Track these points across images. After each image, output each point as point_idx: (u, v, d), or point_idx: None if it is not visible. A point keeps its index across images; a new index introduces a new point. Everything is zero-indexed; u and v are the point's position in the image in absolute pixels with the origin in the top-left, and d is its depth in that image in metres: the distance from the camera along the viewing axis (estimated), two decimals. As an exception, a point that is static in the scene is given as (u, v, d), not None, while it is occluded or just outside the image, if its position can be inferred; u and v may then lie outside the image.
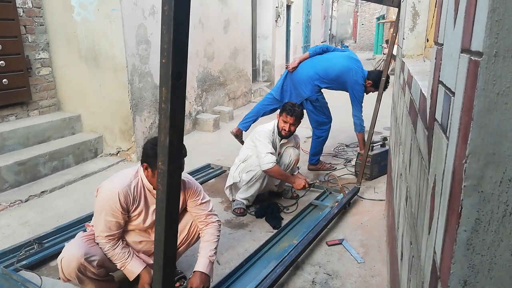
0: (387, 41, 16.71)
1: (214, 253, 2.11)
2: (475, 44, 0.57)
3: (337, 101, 8.02)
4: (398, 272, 1.55)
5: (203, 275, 2.02)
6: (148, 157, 1.91)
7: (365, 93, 4.09)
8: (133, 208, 2.01)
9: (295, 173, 3.36)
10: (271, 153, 3.02)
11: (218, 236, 2.18)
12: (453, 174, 0.66)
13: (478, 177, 0.58)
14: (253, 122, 4.14)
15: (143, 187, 2.03)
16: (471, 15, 0.61)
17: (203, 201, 2.19)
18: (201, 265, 2.04)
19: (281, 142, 3.28)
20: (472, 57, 0.59)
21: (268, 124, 3.26)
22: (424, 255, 0.91)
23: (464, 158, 0.59)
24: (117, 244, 2.00)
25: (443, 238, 0.70)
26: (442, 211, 0.73)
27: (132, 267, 2.01)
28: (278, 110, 3.32)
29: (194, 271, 2.04)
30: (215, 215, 2.23)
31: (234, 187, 3.25)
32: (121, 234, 2.04)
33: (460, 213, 0.60)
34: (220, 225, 2.22)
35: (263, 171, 3.03)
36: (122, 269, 2.03)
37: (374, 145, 4.00)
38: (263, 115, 4.21)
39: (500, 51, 0.52)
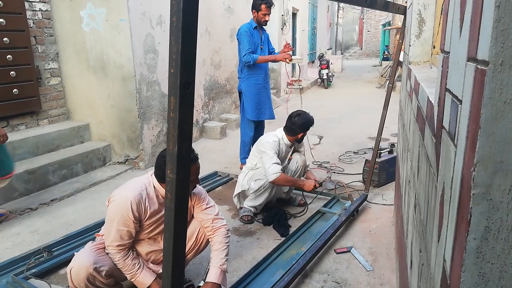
0: (387, 46, 16.69)
1: (224, 261, 2.10)
2: (481, 53, 0.58)
3: (346, 108, 8.00)
4: (408, 280, 1.54)
5: (214, 285, 2.01)
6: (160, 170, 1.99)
7: None
8: (146, 217, 2.01)
9: (306, 174, 3.37)
10: (276, 163, 3.01)
11: (227, 243, 2.16)
12: (462, 182, 0.66)
13: (486, 185, 0.58)
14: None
15: (156, 196, 2.04)
16: (476, 24, 0.61)
17: (208, 206, 2.20)
18: (212, 276, 2.03)
19: (291, 149, 3.30)
20: (478, 66, 0.59)
21: (273, 135, 3.25)
22: (433, 263, 0.90)
23: (472, 166, 0.59)
24: (128, 255, 2.00)
25: (452, 246, 0.70)
26: (451, 219, 0.73)
27: (143, 279, 2.01)
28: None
29: (206, 281, 2.03)
30: (222, 218, 2.22)
31: (242, 195, 3.25)
32: (131, 244, 2.04)
33: (469, 221, 0.60)
34: (228, 230, 2.20)
35: (270, 182, 3.03)
36: (132, 280, 2.03)
37: (381, 151, 3.98)
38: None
39: (506, 60, 0.52)
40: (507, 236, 0.59)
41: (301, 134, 3.21)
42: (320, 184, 3.19)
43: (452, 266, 0.69)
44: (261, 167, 3.15)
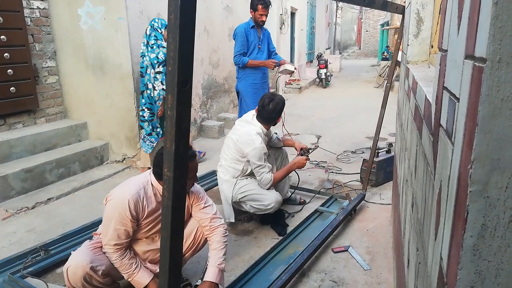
0: (388, 47, 16.66)
1: (222, 260, 2.10)
2: (479, 51, 0.58)
3: (344, 107, 8.00)
4: (405, 279, 1.54)
5: (212, 284, 2.01)
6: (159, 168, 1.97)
7: None
8: (144, 216, 2.01)
9: (284, 143, 3.39)
10: (265, 172, 2.89)
11: (225, 242, 2.16)
12: (459, 180, 0.66)
13: (483, 183, 0.58)
14: None
15: (154, 194, 2.04)
16: (474, 22, 0.61)
17: (206, 205, 2.19)
18: (210, 275, 2.03)
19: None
20: (476, 63, 0.59)
21: (255, 135, 2.89)
22: (430, 261, 0.91)
23: (469, 163, 0.59)
24: (125, 254, 1.99)
25: (449, 244, 0.70)
26: (448, 217, 0.73)
27: (140, 279, 2.01)
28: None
29: (204, 280, 2.03)
30: (220, 218, 2.22)
31: (236, 204, 2.99)
32: (129, 243, 2.03)
33: (466, 218, 0.60)
34: (226, 229, 2.20)
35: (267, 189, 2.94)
36: (129, 280, 2.02)
37: (379, 151, 3.98)
38: None
39: (504, 57, 0.52)
40: (503, 234, 0.59)
41: (280, 118, 3.10)
42: (308, 150, 3.16)
43: (449, 264, 0.69)
44: (251, 185, 2.97)
